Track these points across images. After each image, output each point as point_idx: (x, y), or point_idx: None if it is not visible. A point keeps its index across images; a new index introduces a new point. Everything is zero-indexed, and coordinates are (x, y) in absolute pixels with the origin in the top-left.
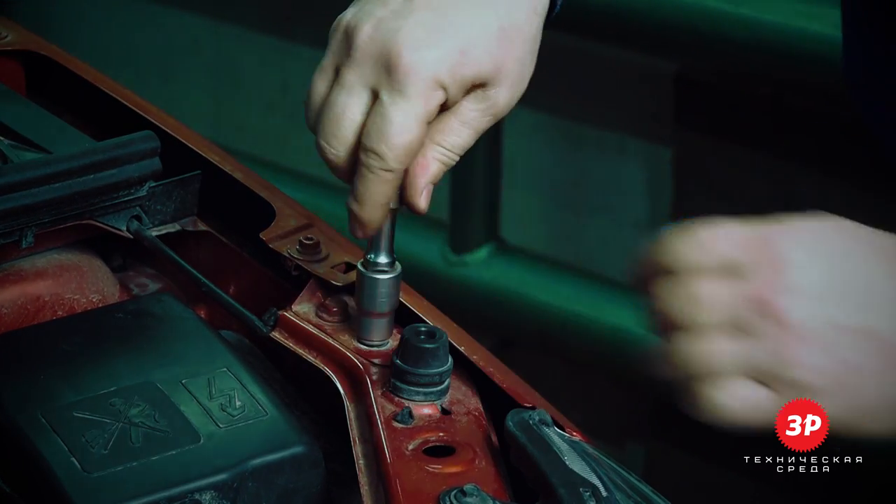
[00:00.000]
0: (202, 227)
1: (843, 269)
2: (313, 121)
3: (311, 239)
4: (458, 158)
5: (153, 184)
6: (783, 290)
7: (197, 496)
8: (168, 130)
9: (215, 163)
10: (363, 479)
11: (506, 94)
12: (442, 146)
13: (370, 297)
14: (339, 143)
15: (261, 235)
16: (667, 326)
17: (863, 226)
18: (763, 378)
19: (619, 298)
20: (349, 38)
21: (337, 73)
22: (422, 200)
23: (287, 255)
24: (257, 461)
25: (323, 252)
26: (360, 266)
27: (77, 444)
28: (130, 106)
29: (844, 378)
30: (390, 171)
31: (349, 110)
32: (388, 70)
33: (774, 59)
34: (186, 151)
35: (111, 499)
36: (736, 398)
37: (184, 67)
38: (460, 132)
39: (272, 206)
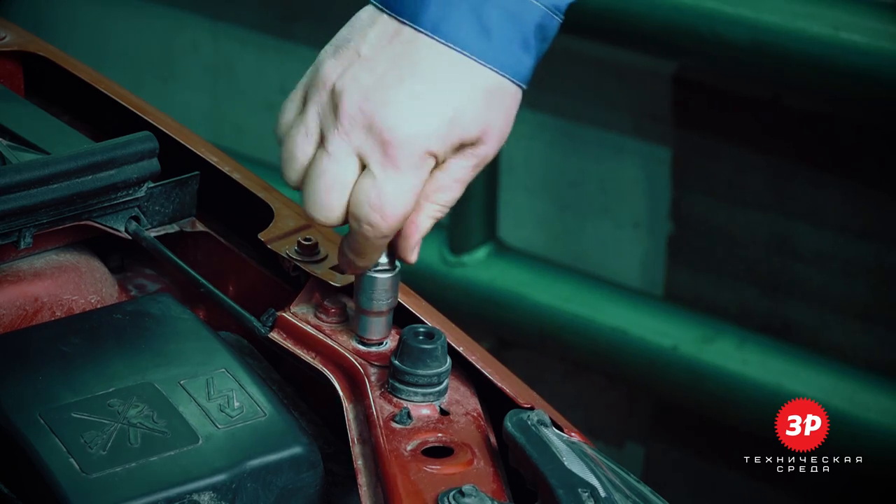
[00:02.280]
0: (200, 227)
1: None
2: (297, 182)
3: (309, 240)
4: (447, 211)
5: (151, 185)
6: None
7: (195, 497)
8: (166, 131)
9: (214, 164)
10: (362, 480)
11: (493, 148)
12: (435, 203)
13: (369, 295)
14: (329, 211)
15: (259, 236)
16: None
17: None
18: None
19: (618, 299)
20: (336, 103)
21: (322, 136)
22: (413, 255)
23: (285, 256)
24: (256, 462)
25: (321, 253)
26: None
27: (75, 445)
28: (129, 107)
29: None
30: (385, 236)
31: (338, 179)
32: (380, 144)
33: (773, 60)
34: (185, 152)
35: (110, 500)
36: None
37: (182, 68)
38: (451, 188)
39: (270, 206)
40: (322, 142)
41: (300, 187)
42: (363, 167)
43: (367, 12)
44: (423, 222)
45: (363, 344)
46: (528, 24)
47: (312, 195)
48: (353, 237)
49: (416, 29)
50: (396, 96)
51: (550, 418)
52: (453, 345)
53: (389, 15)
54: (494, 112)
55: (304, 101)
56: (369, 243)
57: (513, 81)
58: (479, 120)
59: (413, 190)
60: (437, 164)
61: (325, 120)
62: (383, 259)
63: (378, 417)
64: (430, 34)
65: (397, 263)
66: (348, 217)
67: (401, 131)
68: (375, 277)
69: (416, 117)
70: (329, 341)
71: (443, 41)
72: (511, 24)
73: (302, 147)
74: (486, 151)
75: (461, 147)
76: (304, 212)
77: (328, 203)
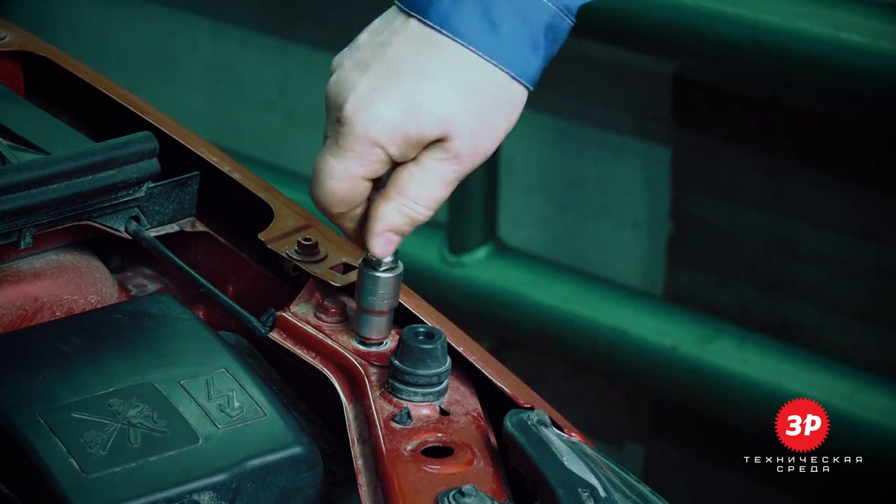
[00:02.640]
0: (200, 227)
1: None
2: None
3: (309, 239)
4: (427, 210)
5: (151, 184)
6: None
7: (195, 497)
8: (166, 131)
9: (214, 163)
10: (362, 480)
11: (465, 146)
12: (405, 196)
13: (371, 294)
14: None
15: (259, 236)
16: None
17: None
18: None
19: (618, 299)
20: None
21: None
22: (374, 245)
23: (285, 256)
24: (256, 462)
25: (321, 253)
26: (361, 263)
27: (75, 445)
28: (129, 107)
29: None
30: (327, 214)
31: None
32: (336, 122)
33: (773, 60)
34: (185, 152)
35: (110, 499)
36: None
37: (182, 68)
38: (424, 181)
39: (270, 206)
40: None
41: None
42: None
43: (392, 10)
44: (390, 214)
45: (363, 344)
46: (538, 23)
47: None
48: None
49: (423, 22)
50: (361, 81)
51: (550, 418)
52: (453, 345)
53: (399, 7)
54: (470, 107)
55: None
56: (333, 220)
57: (519, 81)
58: (438, 115)
59: (348, 171)
60: (404, 158)
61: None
62: (386, 258)
63: (378, 417)
64: (438, 28)
65: (400, 263)
66: None
67: (352, 113)
68: (377, 277)
69: (368, 101)
70: (329, 341)
71: (450, 35)
72: (520, 22)
73: None
74: (456, 148)
75: (431, 143)
76: None
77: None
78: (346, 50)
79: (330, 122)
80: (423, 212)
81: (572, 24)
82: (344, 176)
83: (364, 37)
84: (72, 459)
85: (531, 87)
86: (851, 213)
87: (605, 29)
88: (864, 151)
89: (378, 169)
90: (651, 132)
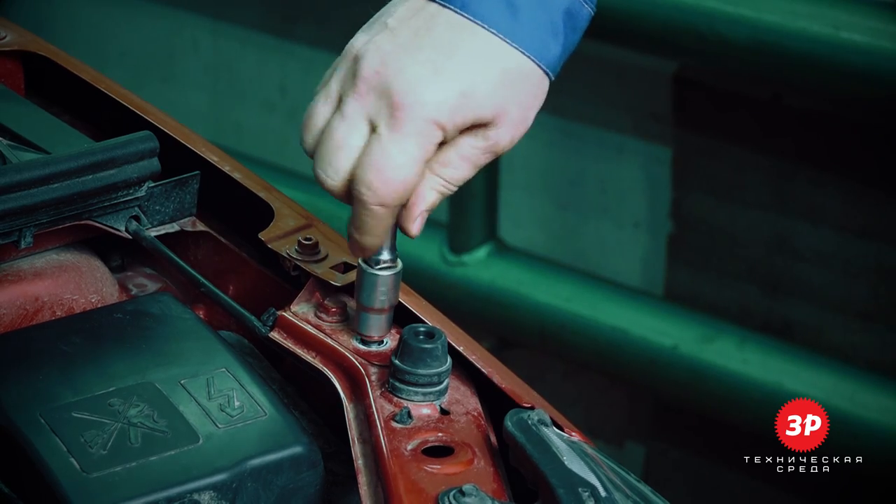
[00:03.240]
0: (201, 227)
1: None
2: (311, 145)
3: (309, 239)
4: (455, 189)
5: (152, 184)
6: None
7: (196, 496)
8: (167, 131)
9: (214, 163)
10: (362, 480)
11: (506, 135)
12: (441, 177)
13: (370, 292)
14: (335, 172)
15: (260, 236)
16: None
17: None
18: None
19: (618, 298)
20: (355, 69)
21: (340, 100)
22: (414, 227)
23: (286, 256)
24: (256, 461)
25: (322, 252)
26: (361, 262)
27: (76, 445)
28: (129, 106)
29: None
30: (384, 205)
31: (347, 141)
32: (389, 107)
33: (773, 59)
34: (185, 152)
35: (110, 499)
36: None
37: (182, 67)
38: (459, 166)
39: (271, 206)
40: (339, 105)
41: (313, 153)
42: (374, 133)
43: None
44: (428, 194)
45: (363, 342)
46: (557, 7)
47: (321, 155)
48: (355, 209)
49: (443, 4)
50: (413, 63)
51: (551, 418)
52: (453, 344)
53: None
54: (509, 95)
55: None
56: (370, 214)
57: (538, 65)
58: (493, 99)
59: (415, 157)
60: (447, 140)
61: (345, 85)
62: (385, 255)
63: (378, 417)
64: (457, 10)
65: (399, 261)
66: (352, 183)
67: (410, 96)
68: (377, 274)
69: (427, 85)
70: (329, 341)
71: (469, 17)
72: (539, 6)
73: (320, 111)
74: (499, 135)
75: (473, 126)
76: (314, 172)
77: (334, 163)
78: (370, 34)
79: (376, 111)
80: (453, 190)
81: (592, 13)
82: (412, 162)
83: (394, 21)
84: (72, 459)
85: (552, 76)
86: (852, 213)
87: (605, 28)
88: (864, 151)
89: (433, 152)
90: (651, 132)
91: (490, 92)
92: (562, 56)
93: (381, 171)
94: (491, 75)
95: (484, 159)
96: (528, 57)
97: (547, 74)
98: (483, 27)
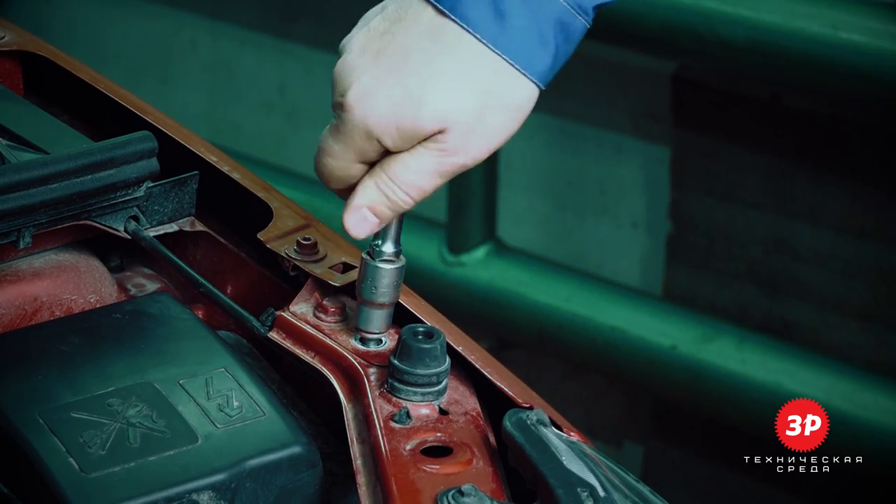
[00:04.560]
0: (200, 227)
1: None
2: None
3: (308, 239)
4: (407, 197)
5: (151, 184)
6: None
7: (195, 496)
8: (165, 131)
9: (213, 163)
10: (361, 480)
11: (458, 142)
12: (388, 175)
13: (371, 286)
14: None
15: (258, 236)
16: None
17: None
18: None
19: (617, 299)
20: (338, 62)
21: None
22: (347, 218)
23: (285, 256)
24: (255, 461)
25: (320, 252)
26: (364, 254)
27: (75, 445)
28: (128, 106)
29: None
30: (330, 189)
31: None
32: (339, 106)
33: (773, 60)
34: (184, 152)
35: (109, 499)
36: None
37: (181, 68)
38: (410, 166)
39: (270, 206)
40: None
41: None
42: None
43: None
44: (370, 190)
45: (362, 339)
46: (547, 17)
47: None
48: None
49: (437, 8)
50: (367, 70)
51: (549, 418)
52: (452, 344)
53: None
54: (455, 104)
55: None
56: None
57: (526, 76)
58: (433, 111)
59: (344, 155)
60: (399, 146)
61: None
62: (389, 249)
63: (377, 417)
64: (448, 14)
65: (402, 257)
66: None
67: (353, 102)
68: (379, 268)
69: (373, 96)
70: (328, 341)
71: (458, 21)
72: (528, 15)
73: None
74: (450, 142)
75: (428, 137)
76: None
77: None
78: (358, 31)
79: (334, 102)
80: (404, 197)
81: (587, 25)
82: (340, 157)
83: (377, 22)
84: (71, 459)
85: (541, 85)
86: (851, 213)
87: (604, 29)
88: (863, 151)
89: (372, 156)
90: (650, 132)
91: (434, 103)
92: (553, 66)
93: (318, 154)
94: (448, 87)
95: (439, 165)
96: (514, 66)
97: (534, 84)
98: (468, 31)
